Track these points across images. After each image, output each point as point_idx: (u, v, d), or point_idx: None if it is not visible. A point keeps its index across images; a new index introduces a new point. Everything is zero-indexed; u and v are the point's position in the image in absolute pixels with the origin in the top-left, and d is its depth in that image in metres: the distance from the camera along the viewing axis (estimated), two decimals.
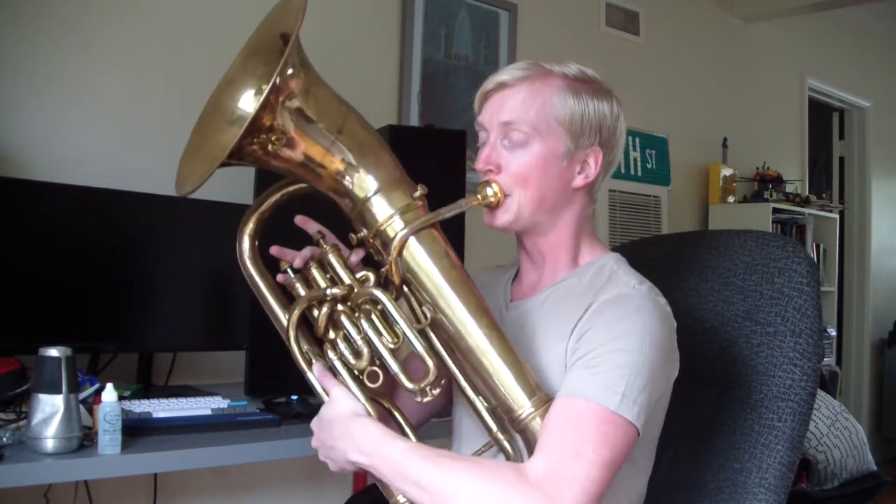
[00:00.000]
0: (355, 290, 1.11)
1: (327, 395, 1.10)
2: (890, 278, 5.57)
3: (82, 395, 1.52)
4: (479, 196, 1.15)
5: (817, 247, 4.57)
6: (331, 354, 1.11)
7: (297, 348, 1.11)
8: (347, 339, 1.11)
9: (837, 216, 4.73)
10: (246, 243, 1.20)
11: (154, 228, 1.99)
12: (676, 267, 1.46)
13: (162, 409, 1.65)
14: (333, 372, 1.11)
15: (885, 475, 3.02)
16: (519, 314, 1.21)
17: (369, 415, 1.08)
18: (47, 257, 1.83)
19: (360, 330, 1.10)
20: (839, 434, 2.95)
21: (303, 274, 1.16)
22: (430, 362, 1.06)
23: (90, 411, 1.51)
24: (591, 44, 3.50)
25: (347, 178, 1.08)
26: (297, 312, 1.11)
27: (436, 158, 2.16)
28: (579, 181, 1.18)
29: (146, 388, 1.98)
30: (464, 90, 2.98)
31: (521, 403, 1.04)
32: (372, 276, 1.12)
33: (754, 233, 1.40)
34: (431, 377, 1.06)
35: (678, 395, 1.18)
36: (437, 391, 1.07)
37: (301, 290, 1.15)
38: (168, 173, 2.17)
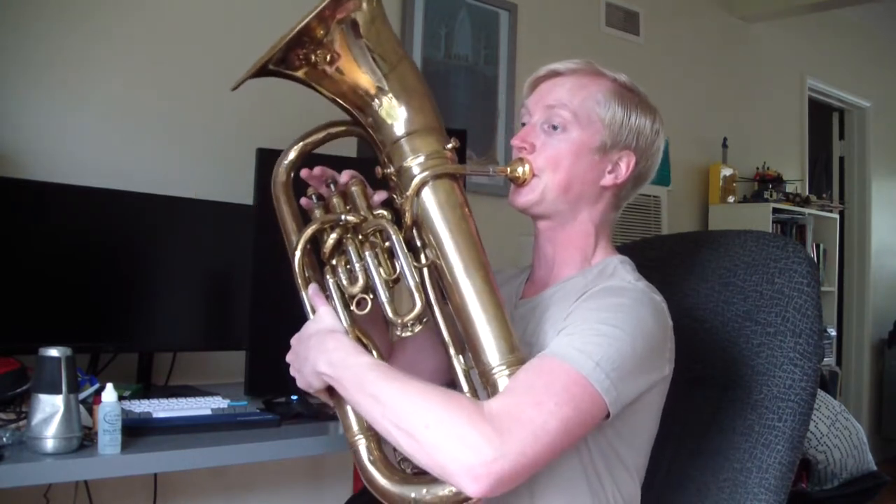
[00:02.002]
0: (368, 220, 1.14)
1: (314, 313, 1.13)
2: (890, 278, 5.57)
3: (82, 395, 1.52)
4: (508, 168, 1.18)
5: (817, 247, 4.57)
6: (328, 278, 1.14)
7: (299, 268, 1.15)
8: (348, 266, 1.14)
9: (837, 216, 4.73)
10: (283, 168, 1.23)
11: (154, 228, 1.99)
12: (676, 267, 1.46)
13: (162, 409, 1.65)
14: (327, 296, 1.14)
15: (885, 475, 3.03)
16: (527, 310, 1.22)
17: (347, 334, 1.10)
18: (47, 257, 1.83)
19: (361, 258, 1.12)
20: (839, 434, 2.95)
21: (325, 202, 1.19)
22: (417, 299, 1.08)
23: (90, 411, 1.51)
24: (591, 44, 3.49)
25: (386, 114, 1.11)
26: (308, 232, 1.14)
27: None
28: (608, 180, 1.21)
29: (146, 388, 1.98)
30: (464, 90, 2.97)
31: (494, 356, 1.04)
32: (387, 214, 1.14)
33: (754, 233, 1.40)
34: (415, 313, 1.07)
35: (678, 395, 1.18)
36: (417, 328, 1.08)
37: (319, 215, 1.18)
38: (168, 173, 2.21)
